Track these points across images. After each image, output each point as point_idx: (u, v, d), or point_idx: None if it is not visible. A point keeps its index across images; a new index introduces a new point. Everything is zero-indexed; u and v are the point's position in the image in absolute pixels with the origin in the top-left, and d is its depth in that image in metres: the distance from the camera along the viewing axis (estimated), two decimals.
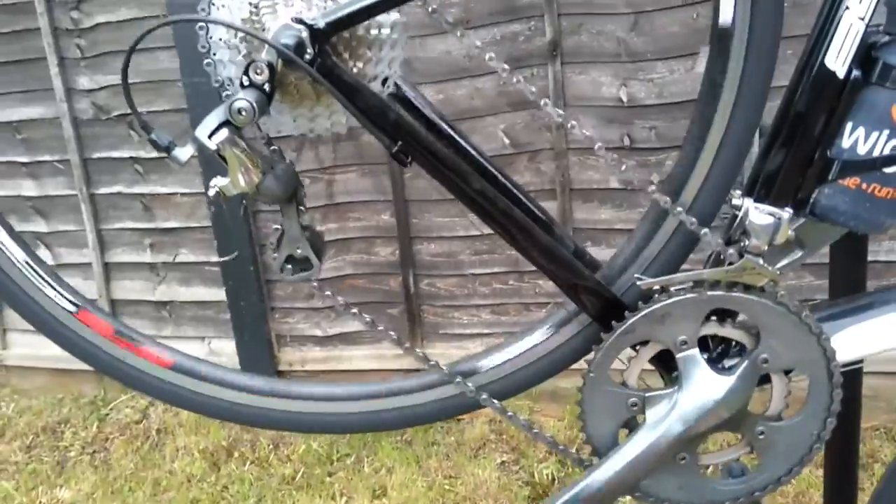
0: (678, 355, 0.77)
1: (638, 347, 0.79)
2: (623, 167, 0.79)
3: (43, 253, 2.72)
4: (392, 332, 0.85)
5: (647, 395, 0.79)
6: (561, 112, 0.80)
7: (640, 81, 2.11)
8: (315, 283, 0.80)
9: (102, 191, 2.61)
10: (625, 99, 2.13)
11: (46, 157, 2.63)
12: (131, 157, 2.54)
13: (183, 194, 2.52)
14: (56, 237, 2.71)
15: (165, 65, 2.36)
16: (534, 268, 0.80)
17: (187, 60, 2.29)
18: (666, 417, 0.78)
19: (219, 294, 2.58)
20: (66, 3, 2.43)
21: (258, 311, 2.53)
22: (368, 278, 2.46)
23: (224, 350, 2.64)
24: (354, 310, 0.84)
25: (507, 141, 2.23)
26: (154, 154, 0.67)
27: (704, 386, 0.77)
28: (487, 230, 0.78)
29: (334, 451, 2.33)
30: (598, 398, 0.79)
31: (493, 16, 2.16)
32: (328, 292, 0.82)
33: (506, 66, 0.75)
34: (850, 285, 1.00)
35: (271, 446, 2.38)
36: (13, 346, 2.84)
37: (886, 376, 2.00)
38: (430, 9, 0.75)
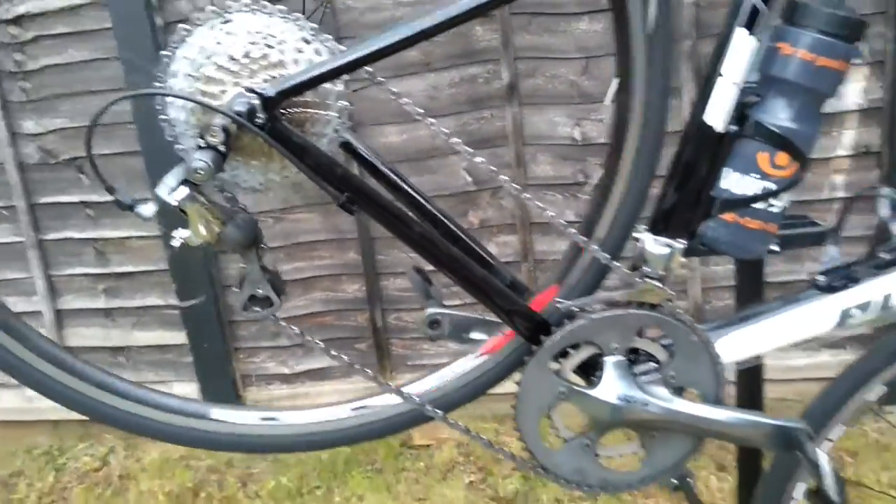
0: (605, 358, 0.90)
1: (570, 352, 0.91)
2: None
3: None
4: (352, 362, 0.94)
5: (574, 387, 0.91)
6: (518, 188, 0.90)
7: (592, 121, 2.23)
8: (276, 318, 0.87)
9: (52, 236, 2.51)
10: (578, 138, 2.25)
11: None
12: (82, 202, 2.46)
13: (138, 238, 2.46)
14: (2, 285, 2.58)
15: (117, 107, 2.29)
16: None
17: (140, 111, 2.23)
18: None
19: (179, 337, 2.54)
20: (9, 45, 2.33)
21: (221, 353, 2.50)
22: (336, 315, 2.48)
23: (188, 393, 2.59)
24: (312, 339, 0.93)
25: (469, 178, 2.31)
26: (106, 198, 0.70)
27: (616, 386, 0.91)
28: None
29: (304, 485, 2.33)
30: (534, 381, 0.91)
31: (453, 59, 2.23)
32: (294, 328, 0.90)
33: (470, 150, 0.88)
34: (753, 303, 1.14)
35: (239, 484, 2.36)
36: None
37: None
38: (392, 91, 0.85)
